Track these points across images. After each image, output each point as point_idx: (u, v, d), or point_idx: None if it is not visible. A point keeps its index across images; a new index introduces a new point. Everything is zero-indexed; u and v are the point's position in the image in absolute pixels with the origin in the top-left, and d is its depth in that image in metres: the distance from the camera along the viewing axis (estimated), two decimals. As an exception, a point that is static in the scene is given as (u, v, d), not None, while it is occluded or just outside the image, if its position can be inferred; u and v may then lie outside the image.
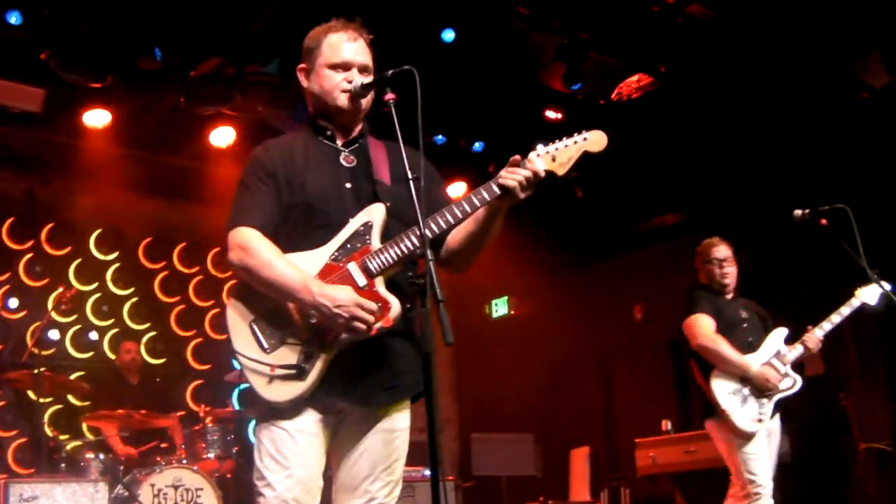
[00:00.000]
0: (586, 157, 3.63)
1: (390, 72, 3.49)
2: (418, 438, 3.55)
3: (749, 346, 6.73)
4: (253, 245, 3.50)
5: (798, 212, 6.57)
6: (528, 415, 12.10)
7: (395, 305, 3.43)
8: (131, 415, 8.38)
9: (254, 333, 3.53)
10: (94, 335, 10.89)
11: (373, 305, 3.40)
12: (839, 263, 6.70)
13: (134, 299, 11.35)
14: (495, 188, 3.47)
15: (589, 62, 9.49)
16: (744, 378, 6.59)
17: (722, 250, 7.04)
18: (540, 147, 3.59)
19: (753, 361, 6.63)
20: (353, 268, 3.48)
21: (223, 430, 8.71)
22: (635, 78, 10.77)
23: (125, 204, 11.16)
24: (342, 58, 3.70)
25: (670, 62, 10.07)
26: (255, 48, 8.77)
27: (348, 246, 3.52)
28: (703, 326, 6.75)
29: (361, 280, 3.46)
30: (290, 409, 3.48)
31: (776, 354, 6.72)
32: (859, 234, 6.35)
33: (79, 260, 10.99)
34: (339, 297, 3.38)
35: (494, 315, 13.96)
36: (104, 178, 10.35)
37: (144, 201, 11.35)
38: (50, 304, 9.63)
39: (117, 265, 11.30)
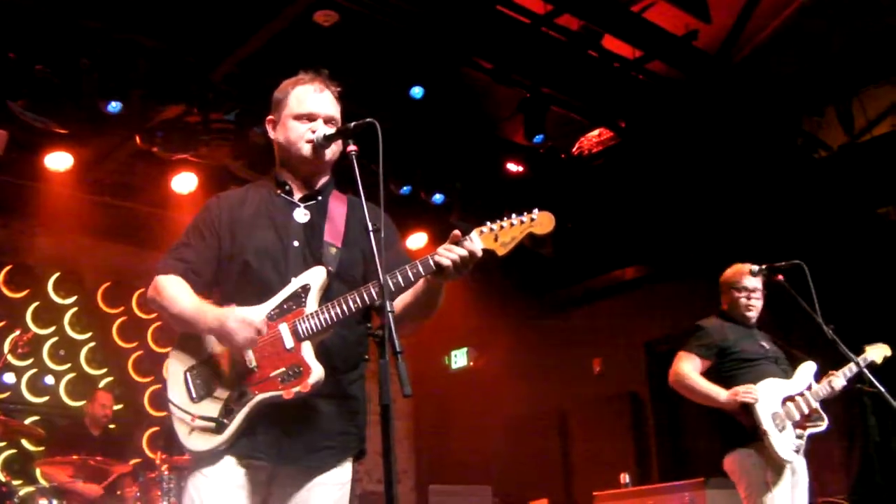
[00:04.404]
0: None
1: (353, 124, 3.52)
2: (375, 489, 3.55)
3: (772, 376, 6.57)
4: (162, 285, 3.64)
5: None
6: (487, 466, 12.08)
7: (316, 372, 3.41)
8: (86, 461, 8.29)
9: (186, 382, 3.58)
10: (50, 379, 10.77)
11: (249, 314, 3.45)
12: (794, 319, 6.75)
13: (91, 344, 11.25)
14: (431, 264, 3.43)
15: (550, 116, 9.59)
16: (783, 403, 6.43)
17: (753, 280, 6.78)
18: (487, 224, 3.49)
19: (759, 389, 6.40)
20: (283, 329, 3.48)
21: (179, 477, 8.59)
22: (596, 132, 10.91)
23: (84, 248, 11.12)
24: (307, 109, 3.71)
25: (631, 117, 10.20)
26: (220, 96, 8.80)
27: (284, 306, 3.52)
28: (680, 364, 6.68)
29: (290, 342, 3.46)
30: (215, 459, 3.50)
31: (808, 388, 6.53)
32: (815, 290, 6.43)
33: (36, 303, 10.89)
34: (221, 314, 3.47)
35: (453, 366, 13.95)
36: (64, 221, 10.30)
37: (104, 246, 11.30)
38: (6, 347, 9.50)
39: (75, 309, 11.21)
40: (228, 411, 3.48)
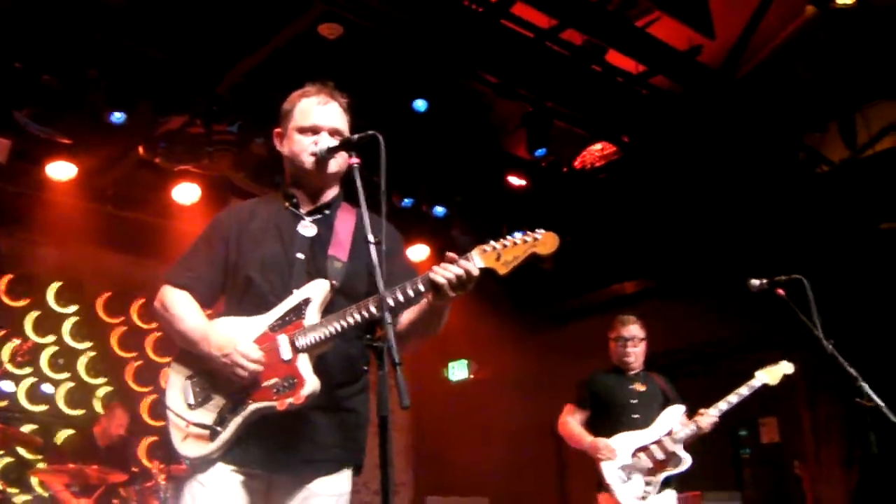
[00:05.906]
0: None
1: (356, 136, 3.53)
2: (373, 500, 3.55)
3: (634, 423, 6.87)
4: (171, 300, 3.68)
5: (755, 282, 6.55)
6: (485, 478, 12.05)
7: (310, 384, 3.42)
8: (82, 469, 8.27)
9: (184, 389, 3.62)
10: (48, 388, 10.75)
11: (251, 352, 3.46)
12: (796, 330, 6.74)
13: (91, 353, 11.23)
14: (427, 281, 3.40)
15: (553, 130, 9.59)
16: (633, 455, 6.72)
17: (630, 329, 7.22)
18: (490, 243, 3.43)
19: (621, 439, 6.78)
20: (282, 340, 3.50)
21: (177, 487, 8.57)
22: (599, 146, 10.91)
23: (86, 257, 11.08)
24: (311, 121, 3.73)
25: (634, 132, 10.21)
26: (223, 107, 8.80)
27: (286, 318, 3.54)
28: (562, 414, 7.30)
29: (287, 354, 3.47)
30: (209, 466, 3.52)
31: (668, 433, 6.80)
32: (816, 305, 6.42)
33: (37, 312, 10.86)
34: (224, 345, 3.48)
35: (453, 378, 13.94)
36: (66, 230, 10.26)
37: (105, 255, 11.27)
38: (5, 356, 9.50)
39: (75, 318, 11.18)
40: (223, 419, 3.50)
